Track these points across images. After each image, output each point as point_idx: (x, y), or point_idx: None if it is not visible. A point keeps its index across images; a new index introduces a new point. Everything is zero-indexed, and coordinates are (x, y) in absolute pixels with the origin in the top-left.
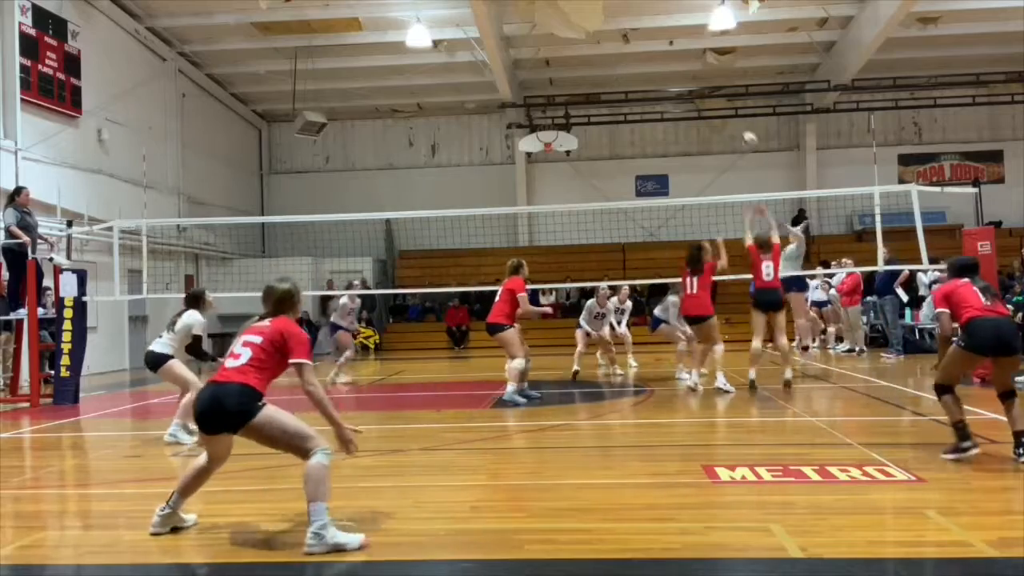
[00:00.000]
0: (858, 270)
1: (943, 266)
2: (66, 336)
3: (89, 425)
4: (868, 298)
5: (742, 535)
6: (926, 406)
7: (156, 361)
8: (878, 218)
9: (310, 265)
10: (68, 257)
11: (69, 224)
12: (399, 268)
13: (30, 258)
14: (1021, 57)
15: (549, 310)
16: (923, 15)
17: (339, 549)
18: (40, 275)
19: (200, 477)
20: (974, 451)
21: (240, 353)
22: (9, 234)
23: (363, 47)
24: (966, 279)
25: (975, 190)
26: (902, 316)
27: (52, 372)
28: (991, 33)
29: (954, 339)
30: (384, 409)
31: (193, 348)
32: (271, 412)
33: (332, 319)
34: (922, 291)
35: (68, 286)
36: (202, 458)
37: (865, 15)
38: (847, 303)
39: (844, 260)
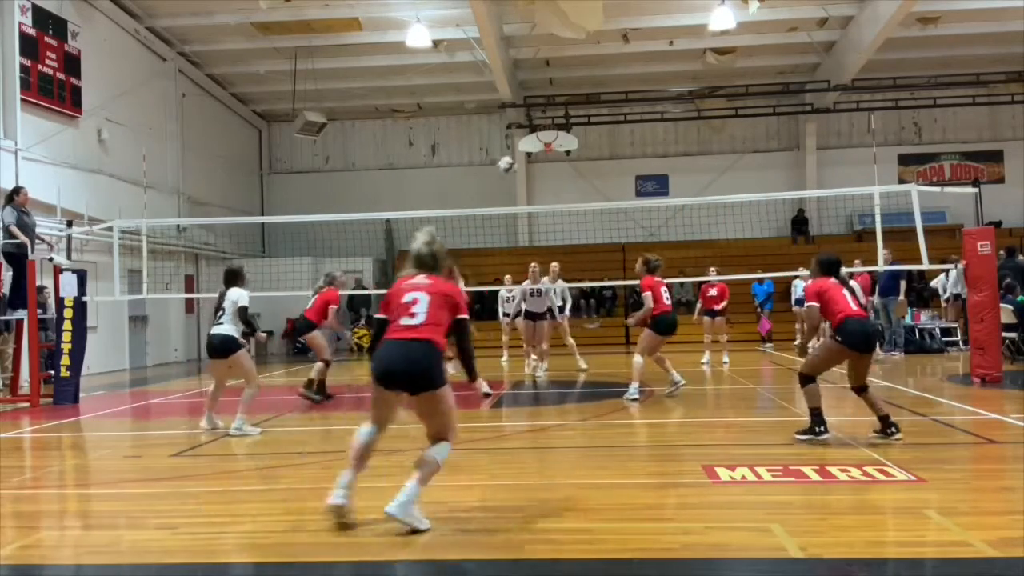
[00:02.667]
0: (865, 270)
1: (949, 266)
2: (66, 336)
3: (89, 425)
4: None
5: (742, 535)
6: (926, 406)
7: (228, 346)
8: (878, 218)
9: (310, 265)
10: (68, 257)
11: (69, 224)
12: (399, 268)
13: (30, 258)
14: (1021, 57)
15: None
16: (923, 15)
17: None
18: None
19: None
20: (826, 435)
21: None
22: (8, 234)
23: (363, 47)
24: (833, 279)
25: (975, 190)
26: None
27: (52, 372)
28: (991, 33)
29: (836, 338)
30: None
31: (243, 317)
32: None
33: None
34: (944, 293)
35: (68, 286)
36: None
37: (865, 15)
38: None
39: (855, 262)
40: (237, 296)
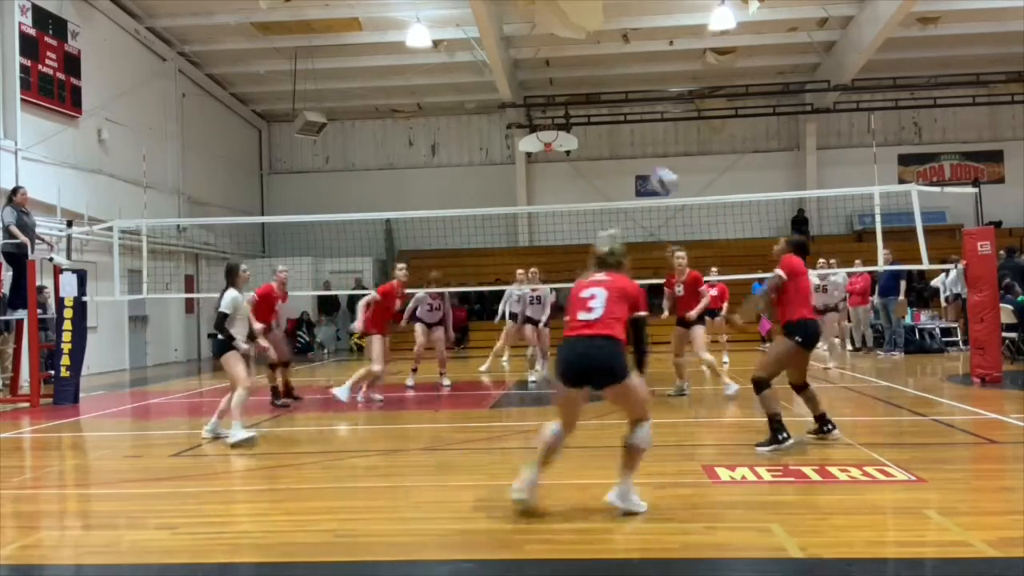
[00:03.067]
0: (865, 270)
1: (949, 266)
2: (66, 336)
3: (89, 425)
4: (870, 298)
5: (742, 535)
6: (926, 406)
7: (219, 348)
8: (878, 218)
9: (310, 265)
10: (68, 257)
11: (69, 224)
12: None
13: (29, 258)
14: (1021, 57)
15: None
16: (923, 15)
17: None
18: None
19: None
20: (790, 442)
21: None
22: (8, 234)
23: (363, 47)
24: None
25: (975, 190)
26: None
27: (52, 372)
28: (991, 33)
29: (796, 339)
30: (384, 409)
31: (217, 323)
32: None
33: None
34: (945, 291)
35: (68, 286)
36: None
37: (865, 15)
38: (858, 303)
39: (856, 262)
40: (221, 299)
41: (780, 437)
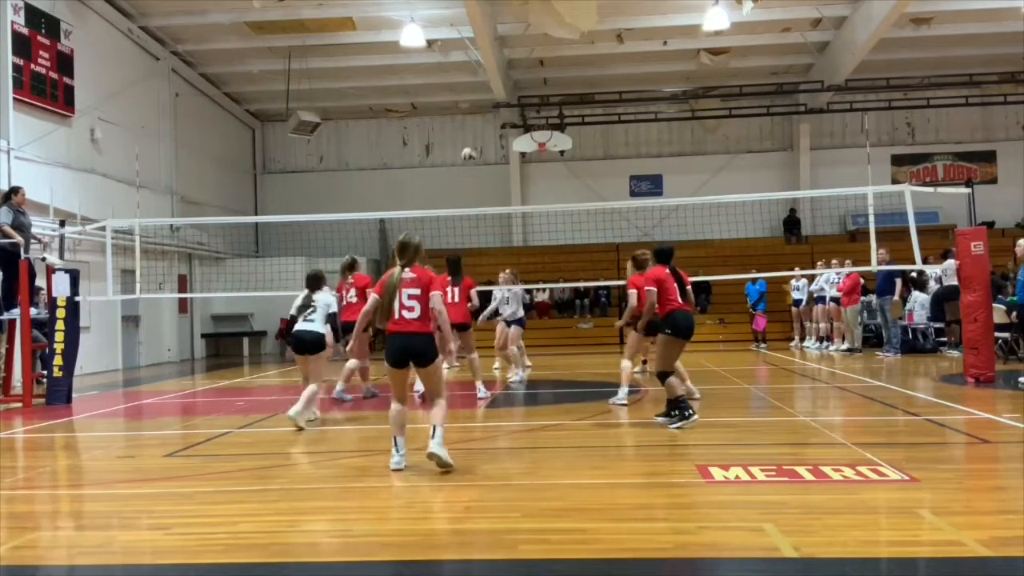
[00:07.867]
0: (856, 270)
1: (943, 263)
2: (59, 336)
3: (82, 425)
4: (864, 298)
5: (736, 535)
6: (920, 406)
7: (319, 341)
8: (871, 218)
9: (304, 265)
10: (61, 257)
11: (62, 224)
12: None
13: (23, 258)
14: (1014, 58)
15: None
16: (916, 16)
17: (443, 463)
18: (32, 275)
19: (404, 419)
20: (695, 418)
21: (412, 307)
22: (2, 233)
23: (357, 47)
24: (668, 269)
25: (968, 190)
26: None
27: (45, 372)
28: (984, 34)
29: (666, 332)
30: (381, 409)
31: (334, 326)
32: (439, 362)
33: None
34: (931, 285)
35: (61, 286)
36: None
37: (858, 15)
38: (847, 303)
39: (847, 262)
40: (330, 301)
41: (687, 414)
